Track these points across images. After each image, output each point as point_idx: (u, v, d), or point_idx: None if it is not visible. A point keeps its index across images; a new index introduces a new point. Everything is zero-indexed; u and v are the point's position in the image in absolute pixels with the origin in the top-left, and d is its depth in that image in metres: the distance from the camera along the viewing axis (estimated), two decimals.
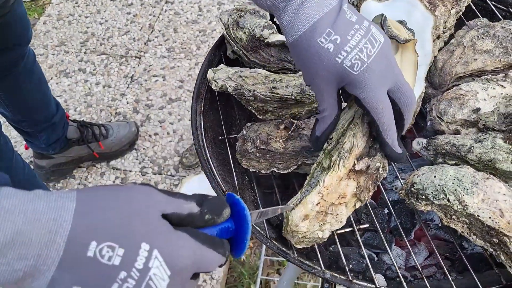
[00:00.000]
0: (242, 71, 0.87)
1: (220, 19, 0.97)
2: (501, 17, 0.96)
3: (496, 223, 0.63)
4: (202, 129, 0.85)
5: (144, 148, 1.93)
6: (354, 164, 0.67)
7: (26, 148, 1.73)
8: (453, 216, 0.67)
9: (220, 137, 0.87)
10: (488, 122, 0.75)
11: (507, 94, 0.78)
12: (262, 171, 0.76)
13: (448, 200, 0.66)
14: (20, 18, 1.26)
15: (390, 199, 0.85)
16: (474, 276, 0.68)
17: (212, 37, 2.31)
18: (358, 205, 0.71)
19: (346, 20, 0.59)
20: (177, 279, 0.42)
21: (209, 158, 0.82)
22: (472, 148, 0.72)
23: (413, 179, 0.71)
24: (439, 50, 0.88)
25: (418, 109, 0.83)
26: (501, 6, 1.01)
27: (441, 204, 0.67)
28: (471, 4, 0.97)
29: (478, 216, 0.64)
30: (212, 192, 0.71)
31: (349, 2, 0.84)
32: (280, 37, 0.91)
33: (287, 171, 0.75)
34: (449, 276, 0.69)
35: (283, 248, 0.72)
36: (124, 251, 0.38)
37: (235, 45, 0.95)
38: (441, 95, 0.81)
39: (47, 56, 2.25)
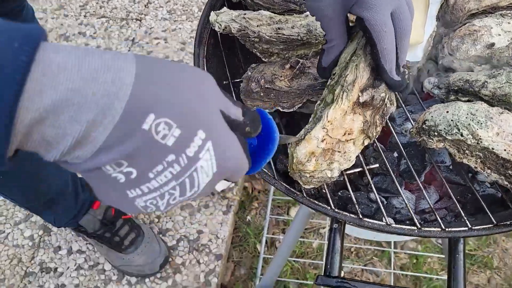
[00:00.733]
0: (246, 13, 0.84)
1: None
2: None
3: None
4: None
5: None
6: (359, 97, 0.65)
7: None
8: (466, 151, 0.65)
9: (224, 82, 0.85)
10: (503, 57, 0.72)
11: None
12: (267, 110, 0.74)
13: (462, 135, 0.64)
14: None
15: (400, 142, 0.83)
16: (489, 213, 0.67)
17: None
18: (366, 142, 0.69)
19: None
20: (217, 179, 0.39)
21: None
22: (486, 83, 0.70)
23: (425, 116, 0.69)
24: None
25: (430, 48, 0.81)
26: None
27: (454, 140, 0.65)
28: None
29: (493, 149, 0.62)
30: None
31: None
32: None
33: (292, 110, 0.73)
34: (462, 214, 0.68)
35: (292, 189, 0.71)
36: (180, 132, 0.34)
37: None
38: (453, 32, 0.78)
39: (46, 20, 2.21)
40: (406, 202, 0.70)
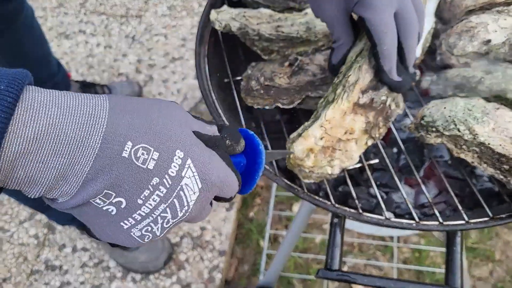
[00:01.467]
0: (245, 12, 0.85)
1: None
2: None
3: (507, 150, 0.63)
4: (207, 71, 0.84)
5: None
6: (359, 98, 0.66)
7: None
8: (463, 146, 0.66)
9: (225, 80, 0.86)
10: (499, 53, 0.73)
11: None
12: (267, 107, 0.75)
13: (458, 130, 0.65)
14: None
15: (399, 138, 0.84)
16: (485, 206, 0.68)
17: None
18: (370, 142, 0.70)
19: None
20: (204, 195, 0.40)
21: (215, 101, 0.81)
22: (482, 79, 0.71)
23: (423, 112, 0.70)
24: None
25: (428, 45, 0.82)
26: None
27: (451, 135, 0.66)
28: None
29: (489, 144, 0.63)
30: None
31: None
32: None
33: (291, 106, 0.74)
34: (460, 208, 0.69)
35: (293, 185, 0.72)
36: (159, 155, 0.36)
37: None
38: (451, 29, 0.79)
39: (46, 19, 2.21)
40: (405, 197, 0.72)
